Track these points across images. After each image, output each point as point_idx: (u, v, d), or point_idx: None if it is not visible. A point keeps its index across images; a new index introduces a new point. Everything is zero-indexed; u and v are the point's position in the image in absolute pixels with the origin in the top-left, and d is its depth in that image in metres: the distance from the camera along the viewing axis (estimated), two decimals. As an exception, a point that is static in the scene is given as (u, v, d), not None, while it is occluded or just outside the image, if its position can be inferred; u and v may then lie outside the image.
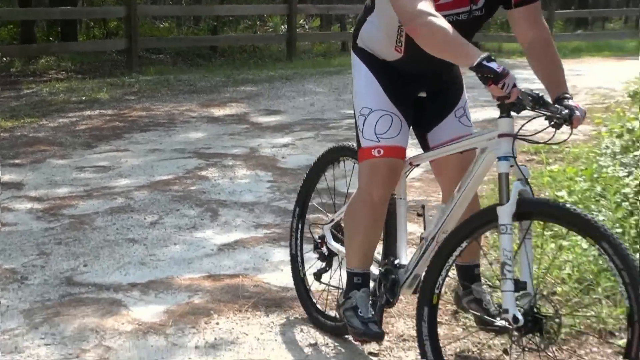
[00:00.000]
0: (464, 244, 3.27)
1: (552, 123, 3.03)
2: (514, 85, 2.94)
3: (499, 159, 3.12)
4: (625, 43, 21.45)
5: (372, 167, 3.54)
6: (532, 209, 3.12)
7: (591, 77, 13.37)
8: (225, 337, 3.72)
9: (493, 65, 2.91)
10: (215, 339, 3.66)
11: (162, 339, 3.65)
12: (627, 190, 5.16)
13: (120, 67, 15.14)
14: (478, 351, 3.70)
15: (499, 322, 3.34)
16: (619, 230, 4.56)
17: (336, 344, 3.72)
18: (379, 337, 3.60)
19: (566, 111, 3.00)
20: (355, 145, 3.77)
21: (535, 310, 3.11)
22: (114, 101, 11.07)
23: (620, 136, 6.83)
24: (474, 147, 3.44)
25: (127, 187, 6.34)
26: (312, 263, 4.07)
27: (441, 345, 3.35)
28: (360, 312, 3.59)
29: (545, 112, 3.02)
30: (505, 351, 3.65)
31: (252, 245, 4.96)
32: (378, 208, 3.57)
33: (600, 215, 4.87)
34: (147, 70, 14.43)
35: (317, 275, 4.04)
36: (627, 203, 4.97)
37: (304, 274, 4.12)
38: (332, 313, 3.86)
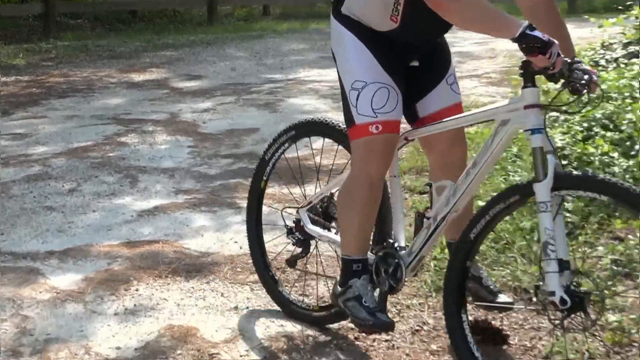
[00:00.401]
0: (494, 223, 3.22)
1: (572, 89, 3.00)
2: (559, 54, 2.87)
3: (532, 132, 2.99)
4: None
5: (370, 144, 3.41)
6: (570, 184, 3.03)
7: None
8: (145, 303, 3.74)
9: (538, 34, 2.85)
10: (135, 305, 3.68)
11: (80, 306, 3.66)
12: None
13: (37, 32, 14.80)
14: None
15: (503, 298, 3.56)
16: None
17: (257, 306, 3.77)
18: (390, 327, 3.50)
19: (586, 76, 2.95)
20: (327, 120, 3.77)
21: (575, 288, 3.04)
22: (30, 67, 10.90)
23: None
24: (491, 119, 3.34)
25: (45, 155, 6.27)
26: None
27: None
28: (365, 301, 3.48)
29: (573, 80, 2.97)
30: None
31: (172, 211, 4.99)
32: (377, 188, 3.49)
33: (517, 176, 5.04)
34: (65, 35, 14.19)
35: (292, 262, 3.98)
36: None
37: (269, 263, 4.01)
38: (307, 300, 3.87)
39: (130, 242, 4.48)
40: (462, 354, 3.27)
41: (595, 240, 4.45)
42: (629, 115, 5.44)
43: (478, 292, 3.67)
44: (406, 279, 3.56)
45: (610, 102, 5.88)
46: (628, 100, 5.73)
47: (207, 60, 11.69)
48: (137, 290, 3.83)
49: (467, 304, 3.38)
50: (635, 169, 4.87)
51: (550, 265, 2.93)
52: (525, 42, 2.86)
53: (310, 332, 3.69)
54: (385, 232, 3.63)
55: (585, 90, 2.94)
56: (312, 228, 3.88)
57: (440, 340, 3.70)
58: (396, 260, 3.48)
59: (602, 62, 7.37)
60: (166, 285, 3.94)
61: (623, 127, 5.39)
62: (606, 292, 3.50)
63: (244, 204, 4.22)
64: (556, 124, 5.83)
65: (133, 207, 5.05)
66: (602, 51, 7.84)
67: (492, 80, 10.03)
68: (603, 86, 6.18)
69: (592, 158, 5.13)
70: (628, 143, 5.23)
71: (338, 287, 3.56)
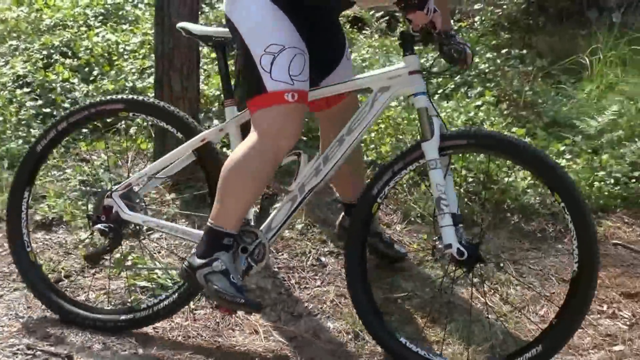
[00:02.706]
0: (392, 184, 3.29)
1: (449, 58, 3.26)
2: (435, 10, 2.98)
3: (416, 95, 3.16)
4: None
5: (284, 113, 3.21)
6: (457, 141, 3.21)
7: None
8: None
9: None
10: None
11: None
12: (4, 80, 5.40)
13: None
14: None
15: (398, 249, 3.84)
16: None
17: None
18: (259, 307, 3.39)
19: (461, 46, 3.21)
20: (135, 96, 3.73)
21: (466, 242, 3.19)
22: None
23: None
24: (367, 86, 3.36)
25: None
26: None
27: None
28: (232, 277, 3.27)
29: (448, 46, 3.21)
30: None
31: None
32: (279, 161, 3.31)
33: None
34: None
35: (95, 258, 3.58)
36: (5, 92, 5.22)
37: (35, 259, 3.60)
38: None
39: None
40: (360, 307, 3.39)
41: (63, 164, 4.66)
42: (85, 43, 5.75)
43: (377, 246, 3.85)
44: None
45: (67, 30, 6.12)
46: (83, 28, 6.03)
47: None
48: None
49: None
50: (95, 93, 5.23)
51: (445, 219, 3.07)
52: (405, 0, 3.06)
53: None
54: None
55: (459, 59, 3.23)
56: (132, 214, 3.55)
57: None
58: (258, 239, 3.37)
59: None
60: None
61: (80, 55, 5.66)
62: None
63: None
64: (17, 53, 6.00)
65: None
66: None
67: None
68: (59, 15, 6.58)
69: (54, 85, 5.31)
70: (86, 69, 5.54)
71: (196, 258, 3.31)
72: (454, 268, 3.24)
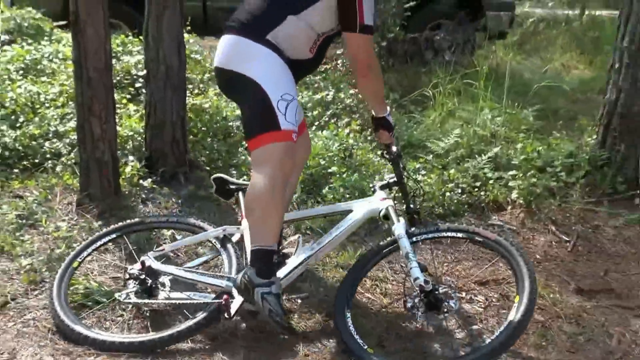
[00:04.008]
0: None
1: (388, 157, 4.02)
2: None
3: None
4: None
5: (289, 148, 3.54)
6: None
7: None
8: None
9: (390, 119, 3.87)
10: None
11: None
12: None
13: None
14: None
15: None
16: None
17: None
18: (295, 333, 3.75)
19: (395, 149, 3.94)
20: None
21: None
22: None
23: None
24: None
25: None
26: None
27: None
28: (280, 301, 3.50)
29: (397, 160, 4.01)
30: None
31: None
32: (286, 182, 3.67)
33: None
34: None
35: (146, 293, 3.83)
36: None
37: None
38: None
39: None
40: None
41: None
42: (10, 94, 5.90)
43: None
44: None
45: None
46: (7, 82, 6.19)
47: None
48: None
49: None
50: (22, 138, 5.35)
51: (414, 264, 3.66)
52: (384, 122, 3.85)
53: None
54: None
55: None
56: (163, 267, 3.90)
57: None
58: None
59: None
60: None
61: (7, 104, 5.81)
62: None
63: None
64: None
65: None
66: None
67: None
68: None
69: None
70: (13, 117, 5.69)
71: (256, 276, 3.48)
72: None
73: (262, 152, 3.51)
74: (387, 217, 3.93)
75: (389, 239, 4.03)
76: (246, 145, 4.44)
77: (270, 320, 3.46)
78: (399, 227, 3.76)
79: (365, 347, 3.54)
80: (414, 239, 3.88)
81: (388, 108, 3.93)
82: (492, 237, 3.91)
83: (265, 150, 3.49)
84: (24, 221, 4.63)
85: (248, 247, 3.77)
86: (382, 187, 4.03)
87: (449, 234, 4.08)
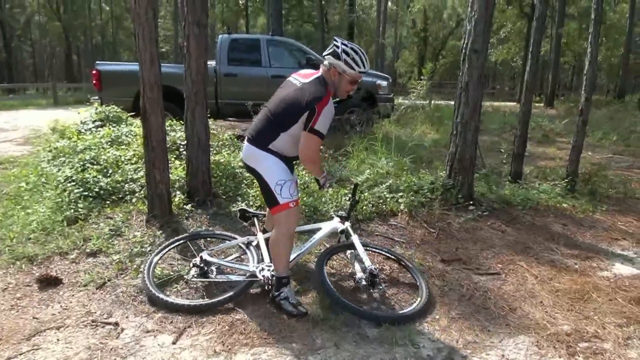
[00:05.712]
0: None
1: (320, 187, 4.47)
2: (330, 185, 4.29)
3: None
4: (39, 101, 26.34)
5: (291, 213, 4.23)
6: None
7: (26, 119, 16.66)
8: None
9: (321, 180, 4.34)
10: None
11: None
12: (60, 178, 6.48)
13: None
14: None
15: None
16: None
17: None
18: (305, 315, 4.28)
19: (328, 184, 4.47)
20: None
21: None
22: None
23: (50, 151, 8.21)
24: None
25: None
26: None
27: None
28: (290, 300, 4.32)
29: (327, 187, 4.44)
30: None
31: None
32: (293, 235, 4.33)
33: (47, 192, 6.17)
34: None
35: (202, 276, 4.59)
36: (61, 185, 6.32)
37: None
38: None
39: None
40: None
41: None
42: (103, 156, 6.90)
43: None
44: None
45: (92, 150, 7.33)
46: (101, 149, 7.36)
47: None
48: None
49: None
50: (111, 182, 6.16)
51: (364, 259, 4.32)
52: (318, 180, 4.32)
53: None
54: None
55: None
56: (215, 260, 4.70)
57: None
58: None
59: (83, 130, 9.18)
60: None
61: (101, 163, 6.71)
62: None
63: None
64: (64, 164, 7.09)
65: None
66: (81, 124, 9.42)
67: (19, 142, 11.74)
68: (86, 143, 7.45)
69: (88, 179, 6.28)
70: (104, 170, 6.56)
71: (275, 291, 4.39)
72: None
73: (277, 216, 4.23)
74: (343, 232, 4.81)
75: (346, 242, 4.85)
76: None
77: (286, 314, 4.29)
78: (355, 238, 4.70)
79: (337, 293, 4.39)
80: (365, 248, 4.73)
81: (323, 173, 4.47)
82: (410, 264, 4.86)
83: (279, 215, 4.23)
84: (113, 232, 5.45)
85: (264, 249, 4.68)
86: (336, 214, 4.91)
87: (383, 252, 5.03)
